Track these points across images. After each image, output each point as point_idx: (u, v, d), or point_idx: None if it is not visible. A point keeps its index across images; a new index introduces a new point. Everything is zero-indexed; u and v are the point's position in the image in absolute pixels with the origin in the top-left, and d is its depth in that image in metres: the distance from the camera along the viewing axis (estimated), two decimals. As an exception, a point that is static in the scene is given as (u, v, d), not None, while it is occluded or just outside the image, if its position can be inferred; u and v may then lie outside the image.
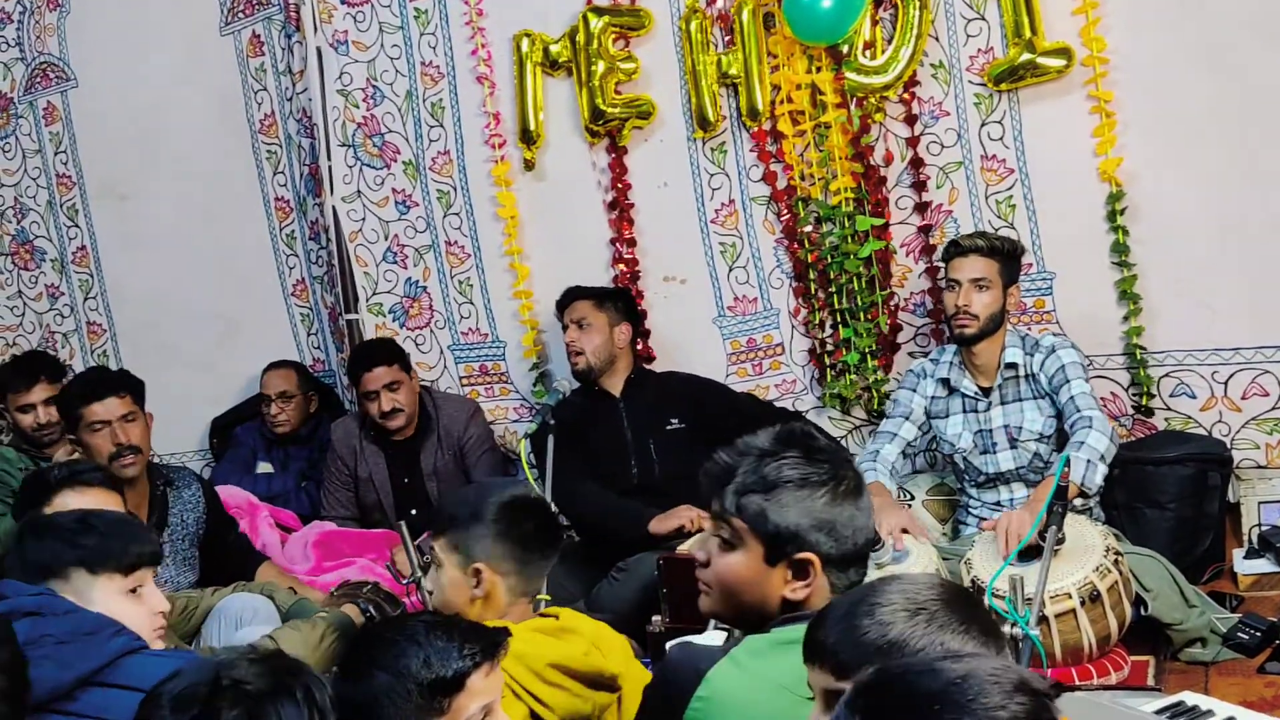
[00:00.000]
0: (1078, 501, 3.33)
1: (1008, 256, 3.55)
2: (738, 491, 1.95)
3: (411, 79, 4.41)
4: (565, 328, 4.04)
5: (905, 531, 3.30)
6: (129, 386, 3.61)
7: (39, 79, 5.05)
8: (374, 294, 4.60)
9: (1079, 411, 3.37)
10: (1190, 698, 2.49)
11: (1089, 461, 3.22)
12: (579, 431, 3.93)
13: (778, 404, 4.17)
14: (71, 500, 2.78)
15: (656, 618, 3.27)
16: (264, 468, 4.67)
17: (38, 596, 2.22)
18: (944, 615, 1.53)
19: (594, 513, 3.88)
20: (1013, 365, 3.54)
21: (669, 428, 3.97)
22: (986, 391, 3.60)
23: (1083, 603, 2.93)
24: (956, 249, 3.59)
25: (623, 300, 4.09)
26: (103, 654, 2.12)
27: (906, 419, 3.67)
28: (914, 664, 1.33)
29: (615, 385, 4.04)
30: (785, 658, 1.82)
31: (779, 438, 1.98)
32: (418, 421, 4.31)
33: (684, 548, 3.46)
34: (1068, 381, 3.45)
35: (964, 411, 3.62)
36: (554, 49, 4.20)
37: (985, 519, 3.55)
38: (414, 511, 4.21)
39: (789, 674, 1.78)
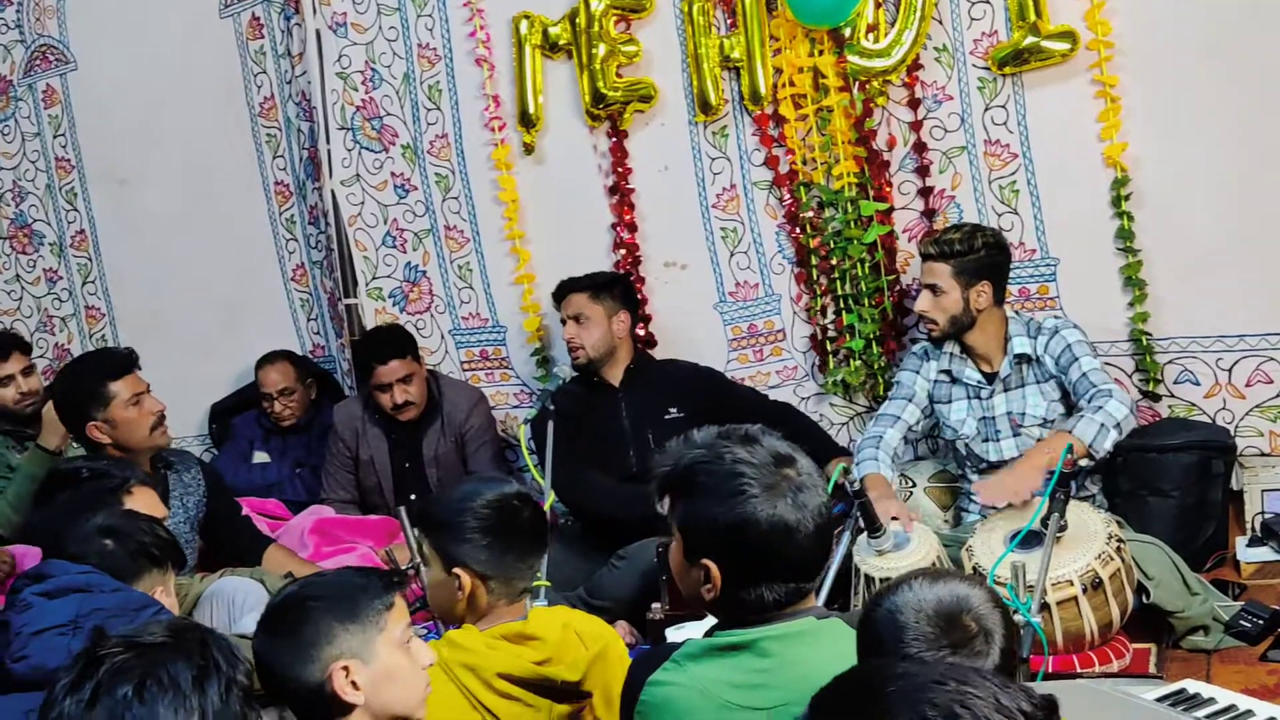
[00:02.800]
0: (1084, 463, 3.30)
1: (963, 255, 3.47)
2: (660, 483, 1.95)
3: (409, 62, 4.38)
4: (563, 322, 4.02)
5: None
6: (137, 361, 3.70)
7: (38, 61, 5.03)
8: (373, 279, 4.58)
9: (1095, 386, 3.35)
10: (1192, 685, 2.48)
11: (1103, 425, 3.23)
12: (578, 421, 3.92)
13: (779, 390, 4.16)
14: (138, 497, 2.89)
15: (656, 605, 3.27)
16: (260, 457, 4.66)
17: (86, 574, 2.31)
18: None
19: (598, 500, 3.86)
20: (1021, 355, 3.51)
21: (668, 417, 3.95)
22: (990, 378, 3.57)
23: (1085, 590, 2.92)
24: (919, 253, 3.59)
25: (620, 287, 4.06)
26: None
27: (909, 401, 3.64)
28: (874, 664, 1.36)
29: (615, 375, 4.03)
30: (718, 662, 1.88)
31: (720, 435, 1.93)
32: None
33: (685, 534, 3.45)
34: (1076, 360, 3.42)
35: (968, 398, 3.60)
36: (553, 31, 4.17)
37: (987, 505, 3.54)
38: (413, 497, 4.21)
39: (719, 681, 1.85)
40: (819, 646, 1.85)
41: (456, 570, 2.33)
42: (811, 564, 1.89)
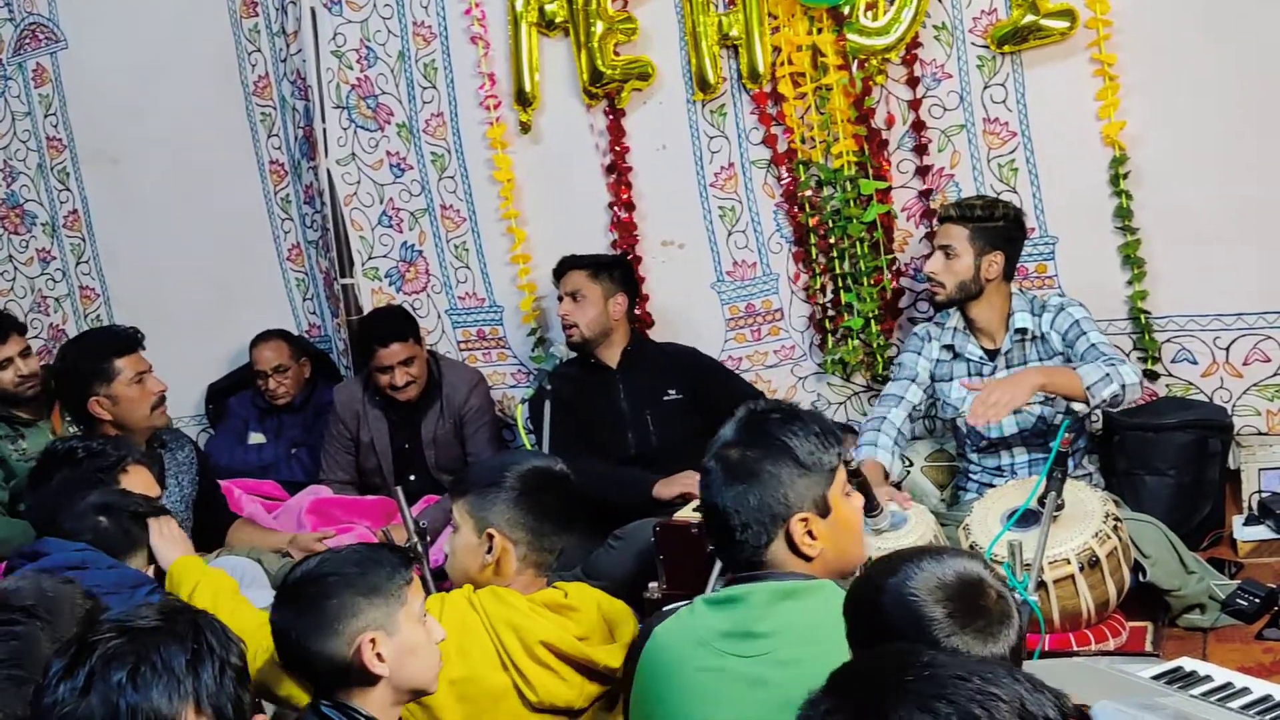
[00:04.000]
0: (1077, 407, 3.31)
1: (982, 221, 3.49)
2: None
3: (404, 40, 4.35)
4: (560, 299, 4.01)
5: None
6: (142, 341, 3.74)
7: (28, 40, 4.99)
8: (370, 258, 4.56)
9: (1104, 355, 3.36)
10: (1188, 663, 2.49)
11: (1108, 375, 3.24)
12: (576, 404, 3.90)
13: (776, 369, 4.17)
14: (134, 476, 2.90)
15: (653, 584, 3.27)
16: (256, 438, 4.65)
17: (81, 552, 2.35)
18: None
19: (595, 483, 3.82)
20: (1023, 330, 3.52)
21: (666, 399, 3.95)
22: (992, 355, 3.58)
23: (1081, 568, 2.92)
24: (938, 216, 3.61)
25: (620, 269, 4.04)
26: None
27: (912, 382, 3.64)
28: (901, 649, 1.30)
29: (612, 357, 4.01)
30: (713, 615, 2.04)
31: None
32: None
33: (681, 514, 3.45)
34: (1084, 334, 3.44)
35: (969, 375, 3.60)
36: (549, 9, 4.13)
37: (985, 484, 3.55)
38: (412, 477, 4.21)
39: (709, 628, 2.03)
40: (805, 602, 1.98)
41: (490, 531, 2.37)
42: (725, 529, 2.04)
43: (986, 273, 3.49)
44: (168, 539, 2.65)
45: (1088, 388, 3.24)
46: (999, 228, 3.50)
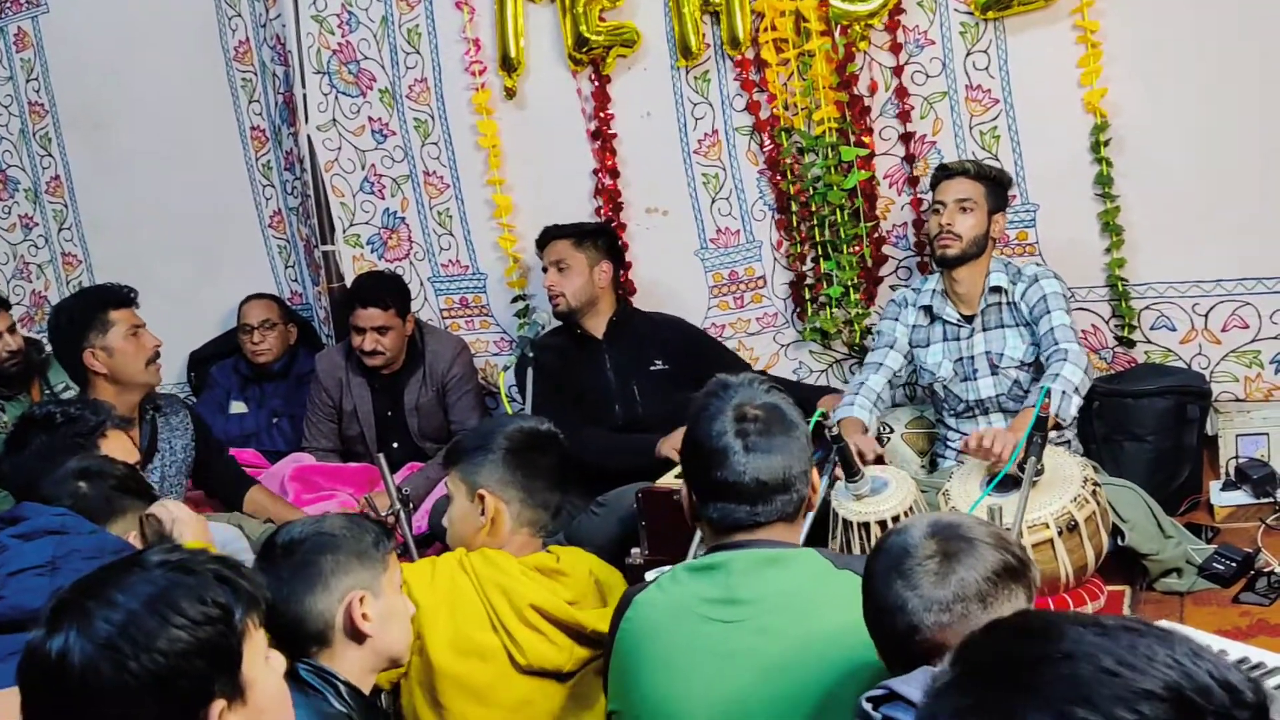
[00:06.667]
0: (1052, 434, 3.35)
1: (994, 182, 3.55)
2: None
3: (386, 4, 4.31)
4: (545, 269, 4.00)
5: (880, 461, 3.33)
6: (136, 299, 3.76)
7: (9, 4, 4.94)
8: (351, 225, 4.54)
9: (1056, 344, 3.37)
10: (1166, 627, 2.51)
11: (1064, 393, 3.24)
12: (561, 374, 3.90)
13: (758, 336, 4.17)
14: (113, 441, 2.89)
15: (635, 550, 3.28)
16: (237, 407, 4.65)
17: (61, 516, 2.33)
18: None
19: (597, 453, 3.81)
20: (998, 289, 3.54)
21: (652, 369, 3.94)
22: (969, 319, 3.59)
23: (1060, 533, 2.94)
24: (944, 172, 3.60)
25: (604, 238, 4.03)
26: None
27: (890, 348, 3.66)
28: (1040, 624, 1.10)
29: (597, 327, 4.01)
30: (695, 581, 2.03)
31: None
32: (405, 356, 4.28)
33: (664, 481, 3.46)
34: (1049, 312, 3.44)
35: (945, 340, 3.62)
36: (534, -26, 4.11)
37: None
38: (395, 445, 4.22)
39: (694, 596, 2.01)
40: (787, 570, 1.99)
41: (481, 492, 2.40)
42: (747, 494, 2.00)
43: (994, 232, 3.54)
44: (183, 522, 2.53)
45: (1055, 415, 3.21)
46: (1003, 191, 3.57)
